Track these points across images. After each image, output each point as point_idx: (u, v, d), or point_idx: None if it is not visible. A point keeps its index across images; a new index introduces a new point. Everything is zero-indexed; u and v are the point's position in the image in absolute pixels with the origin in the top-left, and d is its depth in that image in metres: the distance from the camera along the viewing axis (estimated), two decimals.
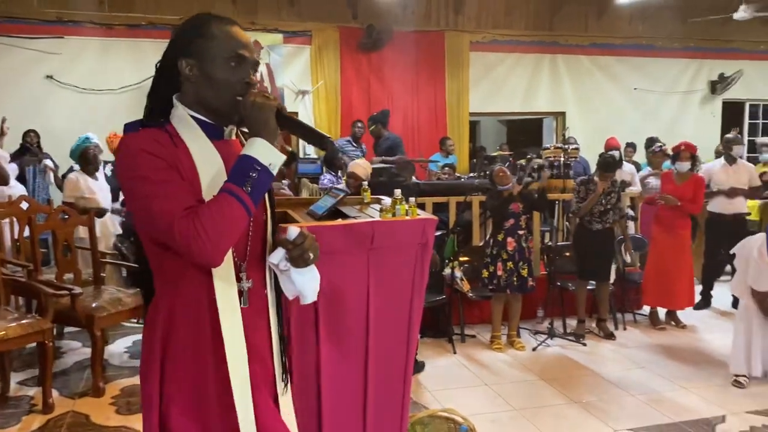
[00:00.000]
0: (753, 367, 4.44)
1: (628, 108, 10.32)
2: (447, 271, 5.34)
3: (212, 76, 1.54)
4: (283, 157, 1.53)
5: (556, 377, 4.64)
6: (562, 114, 10.18)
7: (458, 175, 7.81)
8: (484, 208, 5.81)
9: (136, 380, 4.38)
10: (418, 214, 2.38)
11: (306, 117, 8.97)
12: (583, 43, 10.05)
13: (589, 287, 5.59)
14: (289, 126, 1.59)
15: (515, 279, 5.10)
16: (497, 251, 5.14)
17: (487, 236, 5.74)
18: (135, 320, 4.90)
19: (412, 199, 2.41)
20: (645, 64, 10.39)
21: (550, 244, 6.11)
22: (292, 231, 1.57)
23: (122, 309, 4.27)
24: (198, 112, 1.58)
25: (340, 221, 2.41)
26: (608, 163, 5.50)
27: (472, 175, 8.05)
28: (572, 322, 5.64)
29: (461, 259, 5.66)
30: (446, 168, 7.51)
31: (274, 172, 1.50)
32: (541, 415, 3.98)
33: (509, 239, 5.11)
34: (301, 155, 8.63)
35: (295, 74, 8.91)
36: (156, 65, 1.60)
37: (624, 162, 7.71)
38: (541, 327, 5.70)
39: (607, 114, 10.10)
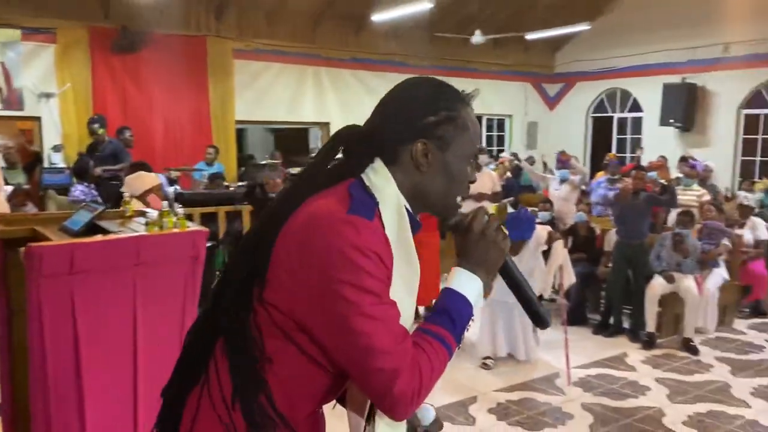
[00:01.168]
0: (498, 348, 5.06)
1: None
2: None
3: (450, 171, 1.26)
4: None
5: None
6: (327, 124, 10.54)
7: (227, 184, 7.69)
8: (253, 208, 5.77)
9: None
10: (188, 227, 2.30)
11: (52, 121, 8.14)
12: (344, 57, 10.53)
13: None
14: (508, 280, 1.33)
15: None
16: None
17: None
18: None
19: (180, 211, 2.33)
20: (399, 80, 11.11)
21: None
22: (428, 414, 1.35)
23: None
24: (407, 201, 1.26)
25: (99, 237, 2.25)
26: None
27: (241, 183, 7.98)
28: None
29: None
30: (216, 179, 7.35)
31: None
32: None
33: None
34: (46, 163, 7.80)
35: (37, 75, 8.02)
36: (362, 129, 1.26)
37: None
38: None
39: None
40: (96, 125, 7.15)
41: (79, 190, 5.97)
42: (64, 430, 2.06)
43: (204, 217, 5.80)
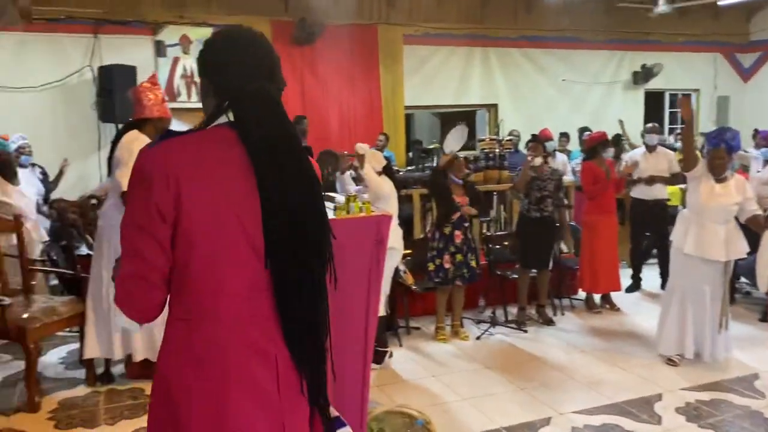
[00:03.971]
0: (686, 348, 4.60)
1: (556, 98, 10.61)
2: None
3: None
4: None
5: (500, 365, 4.73)
6: (495, 106, 10.36)
7: (397, 168, 7.84)
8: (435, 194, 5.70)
9: (73, 392, 4.19)
10: (373, 211, 2.36)
11: None
12: (513, 36, 10.24)
13: (530, 275, 5.72)
14: None
15: (466, 271, 5.16)
16: (444, 244, 5.16)
17: (427, 228, 5.80)
18: (69, 330, 4.68)
19: (365, 196, 2.40)
20: (571, 56, 10.69)
21: (489, 233, 6.22)
22: None
23: (56, 319, 4.06)
24: None
25: None
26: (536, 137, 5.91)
27: (410, 168, 8.10)
28: (513, 310, 5.76)
29: (404, 252, 5.68)
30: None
31: None
32: (489, 403, 4.05)
33: (457, 232, 5.15)
34: None
35: None
36: None
37: (556, 152, 7.95)
38: (483, 316, 5.80)
39: (537, 105, 10.35)
40: None
41: None
42: None
43: None
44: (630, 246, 6.75)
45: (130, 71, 7.29)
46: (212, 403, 1.38)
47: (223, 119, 1.49)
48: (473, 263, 5.18)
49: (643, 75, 11.00)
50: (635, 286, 6.70)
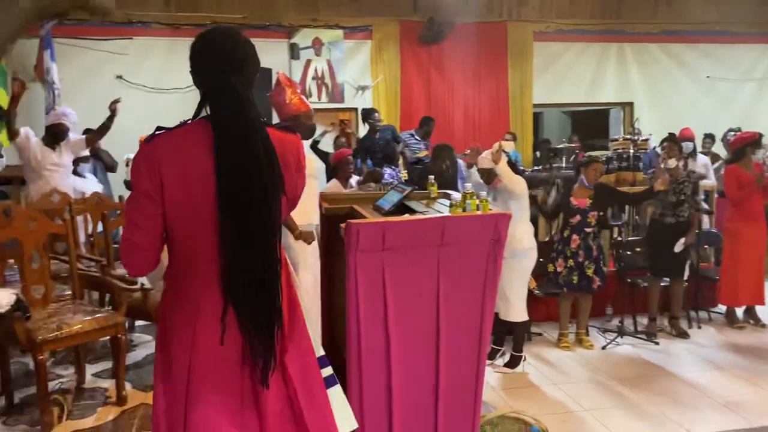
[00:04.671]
0: None
1: (699, 97, 9.89)
2: None
3: None
4: None
5: (627, 377, 4.47)
6: (630, 104, 9.84)
7: (523, 168, 7.65)
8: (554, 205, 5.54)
9: None
10: (490, 209, 2.30)
11: None
12: (653, 31, 9.67)
13: (662, 284, 5.37)
14: None
15: (575, 277, 4.93)
16: (562, 247, 5.00)
17: (553, 231, 5.62)
18: None
19: (483, 193, 2.34)
20: (717, 51, 9.92)
21: (620, 239, 5.90)
22: None
23: None
24: None
25: (407, 217, 2.37)
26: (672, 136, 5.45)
27: (536, 168, 7.88)
28: (643, 320, 5.44)
29: None
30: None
31: None
32: (612, 416, 3.84)
33: (574, 236, 4.95)
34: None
35: (356, 70, 8.90)
36: None
37: (698, 154, 7.41)
38: (610, 325, 5.52)
39: (677, 104, 9.71)
40: (378, 115, 7.59)
41: (387, 173, 6.48)
42: (375, 394, 2.23)
43: None
44: None
45: (266, 73, 7.64)
46: (188, 329, 1.74)
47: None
48: (589, 272, 4.92)
49: None
50: None
